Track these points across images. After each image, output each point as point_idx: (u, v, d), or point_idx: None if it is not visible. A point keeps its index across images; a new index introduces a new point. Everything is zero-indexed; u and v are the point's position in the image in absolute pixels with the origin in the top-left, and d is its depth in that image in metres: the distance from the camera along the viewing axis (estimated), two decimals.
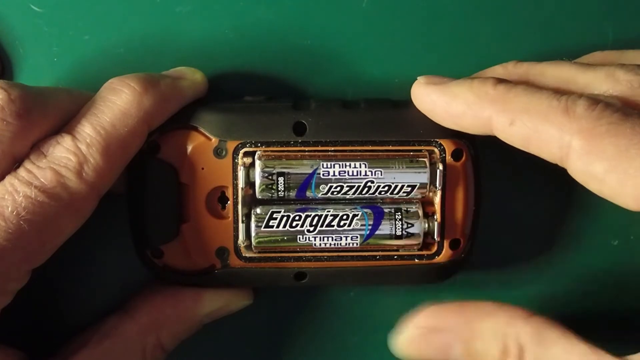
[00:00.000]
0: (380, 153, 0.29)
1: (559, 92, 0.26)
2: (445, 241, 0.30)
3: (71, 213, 0.26)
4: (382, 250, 0.29)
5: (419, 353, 0.28)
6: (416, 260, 0.30)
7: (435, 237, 0.29)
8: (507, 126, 0.26)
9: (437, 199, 0.29)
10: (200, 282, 0.29)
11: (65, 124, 0.27)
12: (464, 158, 0.29)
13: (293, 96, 0.31)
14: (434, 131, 0.29)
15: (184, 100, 0.29)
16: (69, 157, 0.26)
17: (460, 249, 0.30)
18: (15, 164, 0.26)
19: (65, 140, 0.26)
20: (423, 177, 0.29)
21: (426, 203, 0.30)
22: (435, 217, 0.29)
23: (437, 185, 0.29)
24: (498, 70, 0.30)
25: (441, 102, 0.27)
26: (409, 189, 0.29)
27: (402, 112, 0.29)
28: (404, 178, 0.29)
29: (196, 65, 0.31)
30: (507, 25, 0.32)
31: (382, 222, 0.29)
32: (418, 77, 0.29)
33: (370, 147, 0.29)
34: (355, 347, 0.33)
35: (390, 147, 0.29)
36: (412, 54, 0.32)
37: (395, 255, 0.30)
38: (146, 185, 0.29)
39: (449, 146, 0.29)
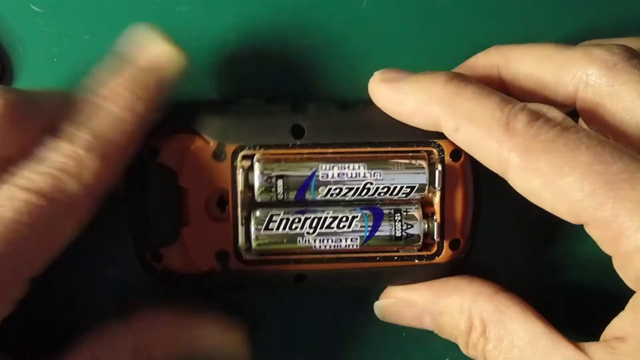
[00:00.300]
0: (379, 154, 0.29)
1: (505, 101, 0.26)
2: (445, 241, 0.30)
3: (71, 217, 0.26)
4: (382, 252, 0.30)
5: (395, 320, 0.31)
6: (416, 261, 0.30)
7: (435, 237, 0.29)
8: (452, 131, 0.26)
9: (437, 200, 0.29)
10: (200, 286, 0.29)
11: (62, 127, 0.27)
12: (462, 158, 0.29)
13: (292, 98, 0.31)
14: (432, 132, 0.29)
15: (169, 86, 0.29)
16: (68, 162, 0.26)
17: (460, 249, 0.30)
18: (6, 167, 0.26)
19: (64, 146, 0.26)
20: (422, 178, 0.29)
21: (425, 204, 0.30)
22: (434, 217, 0.29)
23: (436, 185, 0.29)
24: (480, 57, 0.30)
25: (393, 101, 0.28)
26: (408, 190, 0.29)
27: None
28: (403, 179, 0.29)
29: (195, 67, 0.31)
30: (507, 25, 0.32)
31: (382, 224, 0.29)
32: (375, 72, 0.29)
33: (368, 149, 0.29)
34: (355, 347, 0.33)
35: (389, 149, 0.29)
36: (412, 54, 0.32)
37: (395, 256, 0.30)
38: (145, 189, 0.29)
39: (447, 147, 0.29)
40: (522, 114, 0.25)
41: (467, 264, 0.30)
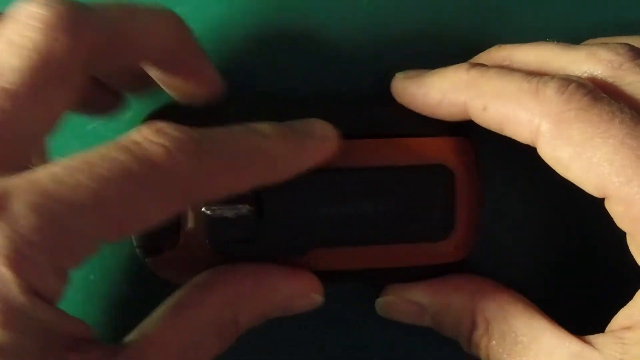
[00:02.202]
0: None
1: (532, 74, 0.26)
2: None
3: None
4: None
5: (396, 317, 0.31)
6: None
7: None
8: (481, 111, 0.26)
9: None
10: None
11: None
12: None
13: (293, 96, 0.31)
14: (433, 128, 0.29)
15: None
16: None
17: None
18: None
19: None
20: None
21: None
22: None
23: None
24: (482, 57, 0.30)
25: (419, 93, 0.28)
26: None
27: (401, 110, 0.29)
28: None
29: None
30: (507, 25, 0.32)
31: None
32: (396, 74, 0.29)
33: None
34: (355, 346, 0.33)
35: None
36: (412, 54, 0.32)
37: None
38: None
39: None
40: (552, 82, 0.25)
41: (468, 263, 0.30)
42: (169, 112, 0.29)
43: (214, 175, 0.23)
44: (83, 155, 0.21)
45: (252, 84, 0.32)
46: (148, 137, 0.22)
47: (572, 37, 0.30)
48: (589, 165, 0.24)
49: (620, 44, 0.27)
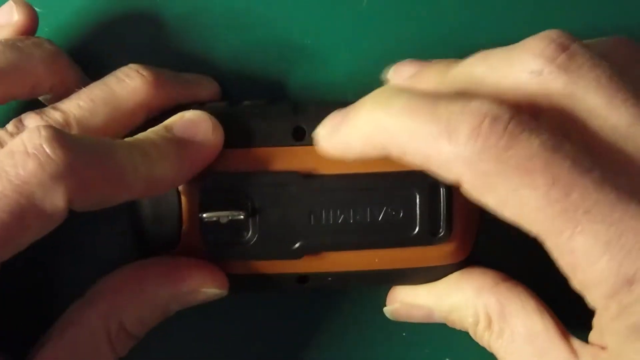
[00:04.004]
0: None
1: (440, 105, 0.24)
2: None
3: None
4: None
5: (407, 320, 0.31)
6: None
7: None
8: (402, 156, 0.25)
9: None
10: None
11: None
12: None
13: (292, 99, 0.31)
14: None
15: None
16: None
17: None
18: None
19: None
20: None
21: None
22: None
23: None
24: (424, 72, 0.29)
25: (340, 145, 0.27)
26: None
27: None
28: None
29: (195, 68, 0.31)
30: (507, 25, 0.32)
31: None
32: (315, 133, 0.27)
33: None
34: (355, 347, 0.33)
35: None
36: (412, 54, 0.31)
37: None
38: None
39: None
40: (462, 122, 0.23)
41: (468, 264, 0.30)
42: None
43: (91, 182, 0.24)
44: None
45: (251, 86, 0.32)
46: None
47: None
48: (519, 214, 0.23)
49: (545, 36, 0.25)
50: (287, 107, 0.29)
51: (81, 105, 0.28)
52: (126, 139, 0.26)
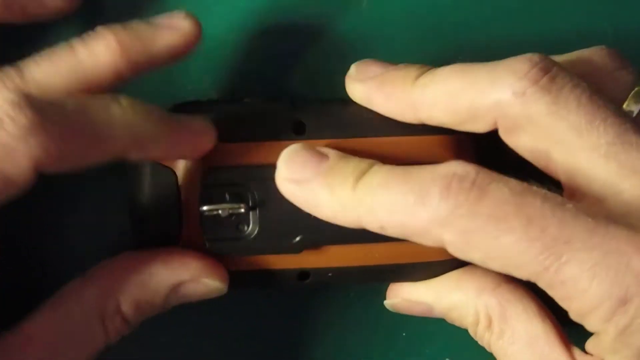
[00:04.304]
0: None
1: (411, 177, 0.25)
2: None
3: None
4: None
5: (407, 313, 0.31)
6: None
7: None
8: (379, 229, 0.25)
9: None
10: None
11: None
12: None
13: (292, 96, 0.31)
14: (434, 127, 0.28)
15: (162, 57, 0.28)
16: None
17: None
18: None
19: None
20: None
21: None
22: None
23: None
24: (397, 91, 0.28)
25: (310, 207, 0.27)
26: None
27: None
28: None
29: (195, 66, 0.31)
30: (507, 25, 0.32)
31: None
32: (279, 171, 0.27)
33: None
34: (355, 346, 0.33)
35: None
36: (412, 54, 0.32)
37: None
38: (146, 191, 0.28)
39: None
40: (432, 186, 0.24)
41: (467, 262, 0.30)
42: (189, 107, 0.29)
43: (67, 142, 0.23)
44: None
45: (251, 83, 0.32)
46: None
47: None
48: (503, 260, 0.24)
49: (527, 58, 0.26)
50: (287, 102, 0.29)
51: (42, 68, 0.26)
52: (105, 94, 0.25)
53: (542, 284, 0.24)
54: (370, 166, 0.26)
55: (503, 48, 0.31)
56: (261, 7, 0.32)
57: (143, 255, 0.28)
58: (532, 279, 0.24)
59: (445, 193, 0.23)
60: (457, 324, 0.30)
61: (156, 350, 0.32)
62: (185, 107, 0.29)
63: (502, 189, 0.23)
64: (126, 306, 0.27)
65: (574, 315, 0.24)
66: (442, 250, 0.29)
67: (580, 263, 0.22)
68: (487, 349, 0.29)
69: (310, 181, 0.26)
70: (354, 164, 0.26)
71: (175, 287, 0.28)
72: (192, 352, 0.32)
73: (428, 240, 0.25)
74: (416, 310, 0.31)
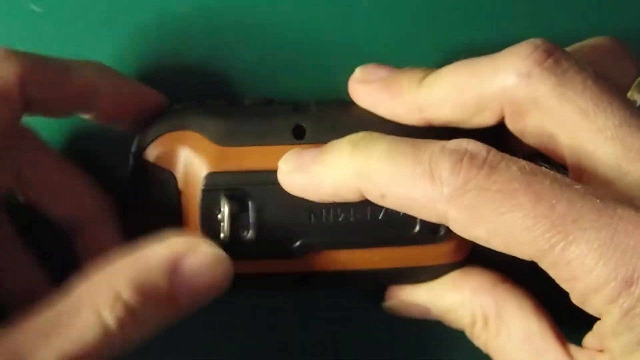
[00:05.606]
0: None
1: (420, 149, 0.24)
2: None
3: None
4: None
5: (405, 315, 0.31)
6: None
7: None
8: (379, 199, 0.25)
9: None
10: None
11: None
12: None
13: (293, 98, 0.31)
14: (435, 130, 0.28)
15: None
16: None
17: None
18: None
19: None
20: None
21: None
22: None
23: None
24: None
25: (311, 187, 0.27)
26: None
27: None
28: None
29: (195, 66, 0.31)
30: (507, 26, 0.32)
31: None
32: (280, 164, 0.27)
33: None
34: (355, 346, 0.33)
35: None
36: (412, 54, 0.32)
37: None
38: (145, 194, 0.28)
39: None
40: (443, 160, 0.24)
41: (467, 263, 0.30)
42: (188, 108, 0.29)
43: None
44: None
45: (251, 85, 0.32)
46: None
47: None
48: (508, 238, 0.23)
49: (531, 42, 0.26)
50: (288, 106, 0.29)
51: None
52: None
53: (544, 264, 0.23)
54: (378, 135, 0.26)
55: (503, 48, 0.32)
56: (261, 7, 0.32)
57: (134, 243, 0.26)
58: (535, 258, 0.23)
59: (456, 168, 0.23)
60: (454, 325, 0.30)
61: (156, 353, 0.32)
62: (185, 108, 0.29)
63: (512, 167, 0.23)
64: (126, 292, 0.24)
65: (576, 297, 0.24)
66: (442, 254, 0.29)
67: (587, 242, 0.22)
68: (484, 350, 0.29)
69: (309, 165, 0.27)
70: (348, 138, 0.26)
71: (175, 265, 0.25)
72: (192, 352, 0.33)
73: (430, 215, 0.24)
74: (413, 312, 0.31)
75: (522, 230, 0.23)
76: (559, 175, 0.23)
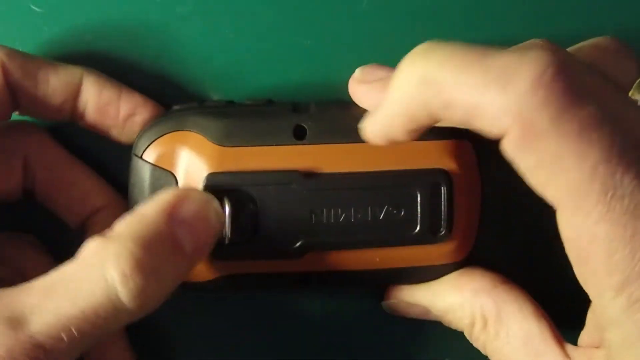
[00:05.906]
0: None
1: (492, 56, 0.22)
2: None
3: None
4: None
5: (404, 315, 0.31)
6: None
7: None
8: (443, 109, 0.23)
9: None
10: (203, 289, 0.29)
11: None
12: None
13: (293, 98, 0.31)
14: (435, 132, 0.28)
15: None
16: None
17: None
18: None
19: None
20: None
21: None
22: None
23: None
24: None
25: (384, 129, 0.26)
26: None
27: None
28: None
29: (196, 66, 0.31)
30: (507, 26, 0.32)
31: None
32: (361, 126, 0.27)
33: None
34: (355, 346, 0.33)
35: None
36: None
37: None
38: (147, 195, 0.28)
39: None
40: (522, 71, 0.21)
41: (467, 263, 0.31)
42: (189, 109, 0.29)
43: None
44: None
45: (251, 85, 0.32)
46: None
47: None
48: (552, 181, 0.21)
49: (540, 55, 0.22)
50: (288, 106, 0.29)
51: None
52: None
53: (569, 222, 0.22)
54: (439, 42, 0.23)
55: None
56: (261, 8, 0.32)
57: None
58: (563, 211, 0.22)
59: (536, 84, 0.21)
60: (453, 326, 0.30)
61: (155, 352, 0.32)
62: (185, 109, 0.29)
63: (601, 108, 0.21)
64: (130, 247, 0.24)
65: (582, 272, 0.23)
66: (442, 254, 0.29)
67: (624, 226, 0.21)
68: (483, 351, 0.29)
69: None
70: (418, 48, 0.24)
71: (172, 214, 0.25)
72: (192, 352, 0.33)
73: (489, 127, 0.22)
74: (413, 312, 0.31)
75: (572, 179, 0.21)
76: (632, 148, 0.21)
